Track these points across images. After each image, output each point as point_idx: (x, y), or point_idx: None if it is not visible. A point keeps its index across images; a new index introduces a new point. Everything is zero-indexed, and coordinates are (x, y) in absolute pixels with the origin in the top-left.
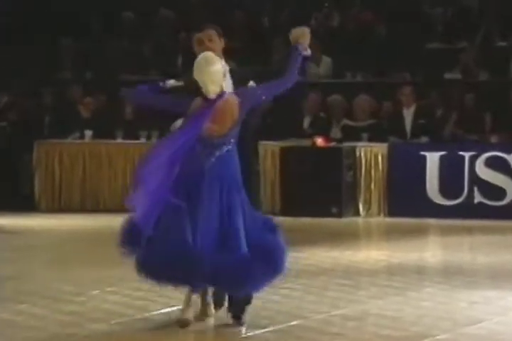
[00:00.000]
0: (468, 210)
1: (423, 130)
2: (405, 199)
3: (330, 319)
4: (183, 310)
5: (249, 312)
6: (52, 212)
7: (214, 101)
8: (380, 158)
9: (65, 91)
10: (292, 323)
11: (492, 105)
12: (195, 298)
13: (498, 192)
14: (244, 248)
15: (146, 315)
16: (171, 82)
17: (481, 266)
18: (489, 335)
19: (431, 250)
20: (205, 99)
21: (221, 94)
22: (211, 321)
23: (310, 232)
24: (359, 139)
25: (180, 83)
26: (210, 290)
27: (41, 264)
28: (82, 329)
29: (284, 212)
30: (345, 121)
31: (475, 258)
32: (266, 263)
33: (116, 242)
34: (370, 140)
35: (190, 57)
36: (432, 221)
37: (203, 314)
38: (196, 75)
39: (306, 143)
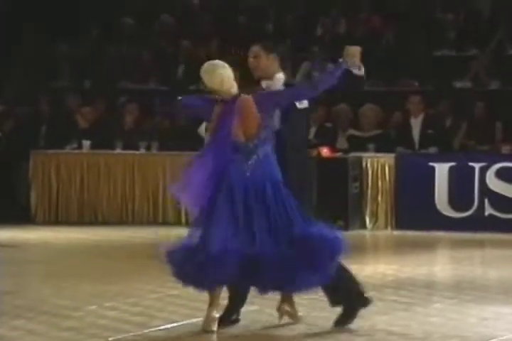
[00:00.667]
0: (479, 223)
1: (432, 140)
2: (413, 211)
3: (336, 335)
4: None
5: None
6: (49, 224)
7: (232, 103)
8: (387, 168)
9: (62, 99)
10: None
11: (503, 114)
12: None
13: (510, 205)
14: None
15: (145, 331)
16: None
17: (493, 281)
18: None
19: (440, 264)
20: (223, 102)
21: (236, 96)
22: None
23: None
24: (365, 149)
25: None
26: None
27: (38, 278)
28: None
29: None
30: (352, 131)
31: (486, 273)
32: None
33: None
34: (377, 150)
35: (192, 65)
36: (441, 234)
37: (292, 316)
38: (207, 81)
39: (311, 153)
